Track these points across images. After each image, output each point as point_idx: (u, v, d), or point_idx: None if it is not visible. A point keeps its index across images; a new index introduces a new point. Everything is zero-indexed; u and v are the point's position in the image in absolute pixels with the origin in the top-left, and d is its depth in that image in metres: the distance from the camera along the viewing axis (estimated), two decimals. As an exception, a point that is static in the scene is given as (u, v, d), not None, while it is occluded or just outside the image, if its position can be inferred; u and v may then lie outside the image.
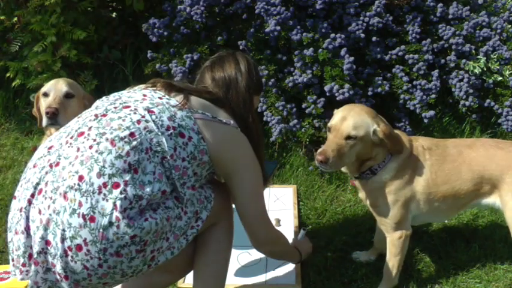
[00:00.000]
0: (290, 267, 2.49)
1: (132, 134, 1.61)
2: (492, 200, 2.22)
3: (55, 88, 2.36)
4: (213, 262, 1.97)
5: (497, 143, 2.27)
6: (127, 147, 1.58)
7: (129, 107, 1.70)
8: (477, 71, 3.27)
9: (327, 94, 3.09)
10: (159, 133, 1.63)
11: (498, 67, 3.32)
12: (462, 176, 2.17)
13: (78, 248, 1.53)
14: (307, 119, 3.20)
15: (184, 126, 1.69)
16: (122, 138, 1.59)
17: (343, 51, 3.07)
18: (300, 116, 3.21)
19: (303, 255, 2.34)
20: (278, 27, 3.04)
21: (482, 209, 2.84)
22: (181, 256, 1.95)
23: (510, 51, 3.36)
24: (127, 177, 1.55)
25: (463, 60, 3.31)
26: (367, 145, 2.07)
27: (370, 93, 3.19)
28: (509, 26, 3.51)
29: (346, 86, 3.01)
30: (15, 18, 3.50)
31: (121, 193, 1.53)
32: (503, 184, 2.15)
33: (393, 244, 2.23)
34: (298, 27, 3.12)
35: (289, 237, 2.69)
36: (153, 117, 1.66)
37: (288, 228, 2.77)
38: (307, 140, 3.18)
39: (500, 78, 3.34)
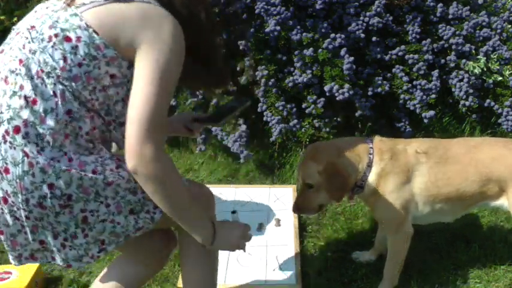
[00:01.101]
0: (290, 267, 2.49)
1: (20, 62, 1.46)
2: (500, 202, 2.19)
3: None
4: (197, 268, 1.82)
5: (504, 143, 2.23)
6: (19, 80, 1.44)
7: (19, 32, 1.53)
8: (477, 71, 3.27)
9: (327, 94, 3.09)
10: (41, 48, 1.45)
11: (498, 67, 3.32)
12: (468, 177, 2.13)
13: (4, 200, 1.49)
14: (307, 119, 3.20)
15: (69, 28, 1.45)
16: (12, 71, 1.45)
17: (343, 51, 3.07)
18: (300, 116, 3.21)
19: (217, 237, 1.67)
20: (278, 27, 3.04)
21: (482, 209, 2.84)
22: (155, 248, 1.85)
23: (510, 51, 3.36)
24: (25, 115, 1.42)
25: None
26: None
27: (370, 93, 3.19)
28: (509, 26, 3.51)
29: (346, 86, 3.00)
30: (15, 18, 3.49)
31: (23, 138, 1.42)
32: None
33: (394, 244, 2.24)
34: (298, 27, 3.11)
35: (289, 237, 2.70)
36: (34, 33, 1.47)
37: (288, 228, 2.77)
38: (307, 140, 3.18)
39: (500, 78, 3.34)
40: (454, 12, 3.35)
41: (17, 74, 1.45)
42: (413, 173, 2.15)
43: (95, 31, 1.45)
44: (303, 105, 3.17)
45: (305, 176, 2.14)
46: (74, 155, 1.48)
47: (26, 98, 1.42)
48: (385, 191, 2.14)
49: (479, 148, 2.18)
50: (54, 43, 1.44)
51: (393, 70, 3.29)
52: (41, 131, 1.43)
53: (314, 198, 2.17)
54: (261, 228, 2.79)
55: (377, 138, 2.23)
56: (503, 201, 2.18)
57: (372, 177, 2.15)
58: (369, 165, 2.14)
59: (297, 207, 2.21)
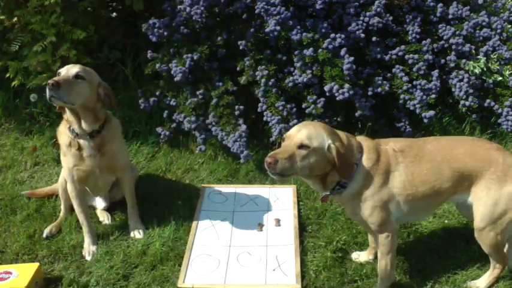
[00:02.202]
0: (290, 267, 2.49)
1: None
2: (469, 196, 2.23)
3: (67, 69, 2.45)
4: None
5: (475, 141, 2.32)
6: None
7: None
8: (477, 71, 3.27)
9: (327, 94, 3.09)
10: None
11: (498, 67, 3.32)
12: (442, 174, 2.17)
13: None
14: (307, 119, 3.20)
15: None
16: None
17: (343, 51, 3.07)
18: (300, 116, 3.21)
19: None
20: (278, 27, 3.04)
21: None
22: None
23: (510, 51, 3.36)
24: None
25: (463, 60, 3.31)
26: (321, 160, 2.05)
27: (370, 93, 3.19)
28: (509, 26, 3.51)
29: (346, 86, 3.01)
30: (15, 18, 3.49)
31: None
32: (481, 180, 2.16)
33: (382, 244, 2.26)
34: (298, 27, 3.12)
35: (289, 237, 2.70)
36: None
37: (288, 228, 2.77)
38: (307, 140, 3.18)
39: (500, 78, 3.34)
40: (454, 12, 3.35)
41: None
42: (393, 173, 2.16)
43: None
44: (303, 105, 3.18)
45: (307, 137, 2.04)
46: None
47: None
48: (367, 192, 2.14)
49: (451, 146, 2.23)
50: None
51: (393, 70, 3.29)
52: None
53: (299, 159, 2.04)
54: (261, 228, 2.80)
55: (362, 138, 2.25)
56: (469, 196, 2.22)
57: (358, 177, 2.13)
58: (356, 163, 2.13)
59: (275, 160, 2.01)
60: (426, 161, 2.17)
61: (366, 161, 2.13)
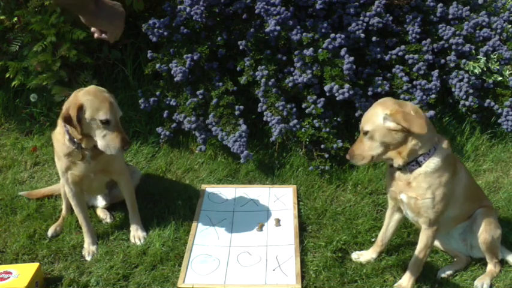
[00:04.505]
0: (290, 267, 2.49)
1: None
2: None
3: (115, 115, 2.38)
4: None
5: None
6: None
7: None
8: (477, 71, 3.27)
9: (327, 94, 3.09)
10: None
11: (498, 67, 3.32)
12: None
13: None
14: (307, 119, 3.20)
15: None
16: None
17: (343, 51, 3.07)
18: (300, 116, 3.21)
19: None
20: (278, 27, 3.04)
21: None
22: None
23: (510, 51, 3.36)
24: None
25: (463, 60, 3.31)
26: (387, 134, 2.10)
27: (370, 93, 3.19)
28: (509, 26, 3.51)
29: (346, 86, 3.01)
30: (15, 18, 3.49)
31: None
32: None
33: (428, 236, 2.30)
34: (298, 27, 3.11)
35: (289, 237, 2.70)
36: None
37: (288, 228, 2.77)
38: (307, 140, 3.18)
39: (500, 78, 3.34)
40: (454, 12, 3.35)
41: None
42: (458, 174, 2.28)
43: None
44: (303, 105, 3.18)
45: (364, 122, 2.15)
46: None
47: None
48: (443, 178, 2.18)
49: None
50: None
51: (393, 70, 3.29)
52: None
53: (368, 145, 2.15)
54: (261, 228, 2.80)
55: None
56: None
57: (435, 159, 2.16)
58: (435, 147, 2.17)
59: (349, 155, 2.21)
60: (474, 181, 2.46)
61: (445, 149, 2.20)
